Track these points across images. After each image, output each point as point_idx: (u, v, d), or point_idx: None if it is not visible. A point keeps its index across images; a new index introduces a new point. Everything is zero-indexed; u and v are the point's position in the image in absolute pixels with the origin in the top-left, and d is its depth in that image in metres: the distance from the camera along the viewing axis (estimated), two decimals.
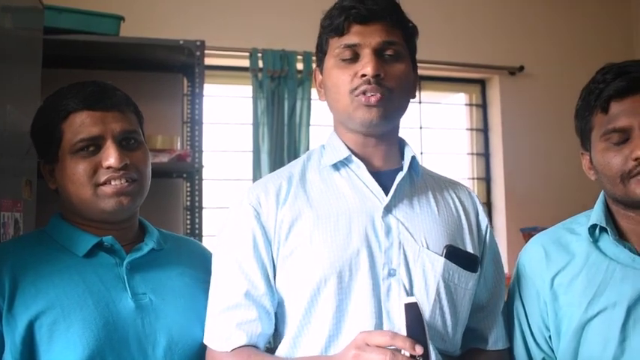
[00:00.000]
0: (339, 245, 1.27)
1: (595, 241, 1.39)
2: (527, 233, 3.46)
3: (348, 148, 1.36)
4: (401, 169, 1.36)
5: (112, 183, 1.34)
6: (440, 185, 1.44)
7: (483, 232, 1.43)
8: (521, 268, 1.48)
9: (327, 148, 1.41)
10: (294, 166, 1.42)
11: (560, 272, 1.39)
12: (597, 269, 1.35)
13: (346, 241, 1.27)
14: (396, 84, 1.30)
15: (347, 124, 1.36)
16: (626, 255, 1.33)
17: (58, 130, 1.35)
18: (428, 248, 1.30)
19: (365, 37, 1.29)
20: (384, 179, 1.35)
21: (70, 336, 1.24)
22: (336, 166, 1.37)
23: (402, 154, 1.41)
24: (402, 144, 1.43)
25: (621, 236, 1.36)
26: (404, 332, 1.13)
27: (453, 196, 1.43)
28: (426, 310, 1.27)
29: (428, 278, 1.28)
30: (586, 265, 1.37)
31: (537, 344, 1.42)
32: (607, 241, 1.37)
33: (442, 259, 1.30)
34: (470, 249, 1.36)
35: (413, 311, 1.13)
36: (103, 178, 1.33)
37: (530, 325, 1.43)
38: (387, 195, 1.32)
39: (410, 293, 1.26)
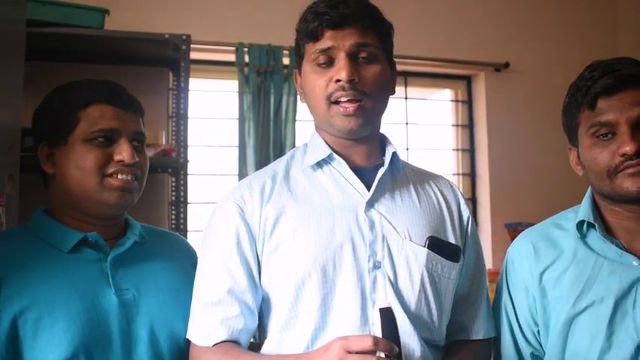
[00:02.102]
0: (323, 240, 1.29)
1: (583, 236, 1.40)
2: (512, 228, 3.48)
3: (330, 146, 1.38)
4: (382, 164, 1.38)
5: (120, 176, 1.38)
6: (421, 179, 1.46)
7: (465, 223, 1.45)
8: (510, 263, 1.49)
9: (309, 147, 1.43)
10: (278, 165, 1.44)
11: (549, 268, 1.41)
12: (585, 265, 1.37)
13: (330, 236, 1.29)
14: (372, 87, 1.32)
15: (326, 129, 1.38)
16: (614, 250, 1.34)
17: (73, 117, 1.37)
18: (411, 240, 1.33)
19: (338, 41, 1.30)
20: (365, 175, 1.37)
21: (55, 332, 1.24)
22: (319, 164, 1.39)
23: (383, 150, 1.42)
24: (383, 140, 1.45)
25: (608, 231, 1.38)
26: (379, 333, 1.15)
27: (435, 188, 1.45)
28: (412, 301, 1.29)
29: (412, 269, 1.31)
30: (574, 260, 1.38)
31: (526, 339, 1.44)
32: (595, 237, 1.38)
33: (425, 250, 1.32)
34: (452, 240, 1.39)
35: (387, 315, 1.15)
36: (111, 170, 1.37)
37: (518, 320, 1.45)
38: (369, 190, 1.34)
39: (395, 285, 1.29)
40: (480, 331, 1.43)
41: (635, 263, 1.31)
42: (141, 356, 1.33)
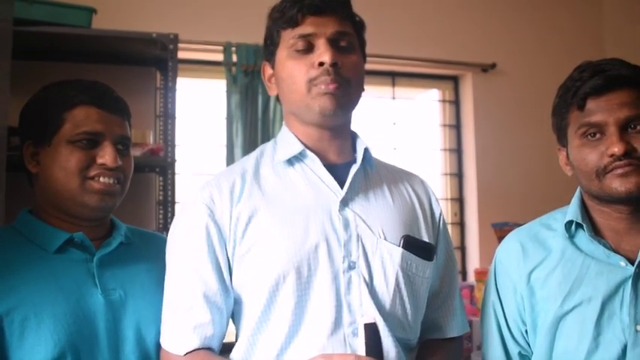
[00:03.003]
0: (297, 241, 1.26)
1: (571, 236, 1.41)
2: (499, 228, 3.50)
3: (302, 142, 1.36)
4: (354, 161, 1.37)
5: (101, 179, 1.37)
6: (394, 176, 1.45)
7: (437, 220, 1.45)
8: (499, 263, 1.50)
9: (279, 144, 1.40)
10: (246, 162, 1.41)
11: (537, 267, 1.41)
12: (573, 265, 1.37)
13: (304, 237, 1.27)
14: (352, 74, 1.32)
15: (303, 116, 1.35)
16: (601, 251, 1.35)
17: (59, 118, 1.37)
18: (385, 239, 1.31)
19: (319, 27, 1.30)
20: (338, 173, 1.35)
21: (42, 332, 1.23)
22: (290, 162, 1.36)
23: (355, 147, 1.41)
24: (354, 137, 1.43)
25: (597, 232, 1.38)
26: (362, 348, 1.16)
27: (407, 186, 1.44)
28: (387, 301, 1.28)
29: (387, 269, 1.29)
30: (562, 260, 1.39)
31: (514, 338, 1.44)
32: (583, 237, 1.39)
33: (400, 250, 1.31)
34: (425, 238, 1.38)
35: (372, 331, 1.14)
36: (93, 173, 1.36)
37: (506, 320, 1.45)
38: (342, 188, 1.32)
39: (370, 285, 1.27)
40: (454, 329, 1.43)
41: (622, 264, 1.32)
42: (128, 356, 1.33)
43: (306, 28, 1.30)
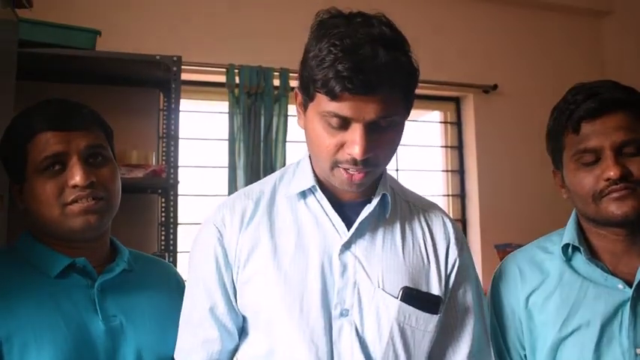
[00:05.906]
0: (293, 282, 1.24)
1: (568, 259, 1.41)
2: (502, 250, 3.49)
3: (317, 177, 1.31)
4: (370, 201, 1.30)
5: (79, 202, 1.32)
6: (412, 214, 1.37)
7: (451, 266, 1.34)
8: (496, 287, 1.49)
9: (297, 173, 1.36)
10: (266, 185, 1.39)
11: (535, 291, 1.41)
12: (571, 288, 1.37)
13: (299, 279, 1.25)
14: (384, 158, 1.22)
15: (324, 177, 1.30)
16: (599, 274, 1.35)
17: (23, 151, 1.33)
18: (384, 289, 1.25)
19: (358, 112, 1.12)
20: (351, 211, 1.30)
21: (42, 358, 1.21)
22: (304, 194, 1.33)
23: (377, 184, 1.33)
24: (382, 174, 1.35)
25: (593, 254, 1.38)
26: None
27: (425, 228, 1.36)
28: (377, 354, 1.23)
29: (381, 320, 1.24)
30: (560, 284, 1.39)
31: None
32: (580, 260, 1.39)
33: (397, 302, 1.25)
34: (434, 289, 1.29)
35: None
36: (70, 198, 1.31)
37: (506, 343, 1.44)
38: (350, 229, 1.28)
39: (361, 335, 1.24)
40: None
41: (620, 286, 1.32)
42: None
43: (343, 109, 1.12)
